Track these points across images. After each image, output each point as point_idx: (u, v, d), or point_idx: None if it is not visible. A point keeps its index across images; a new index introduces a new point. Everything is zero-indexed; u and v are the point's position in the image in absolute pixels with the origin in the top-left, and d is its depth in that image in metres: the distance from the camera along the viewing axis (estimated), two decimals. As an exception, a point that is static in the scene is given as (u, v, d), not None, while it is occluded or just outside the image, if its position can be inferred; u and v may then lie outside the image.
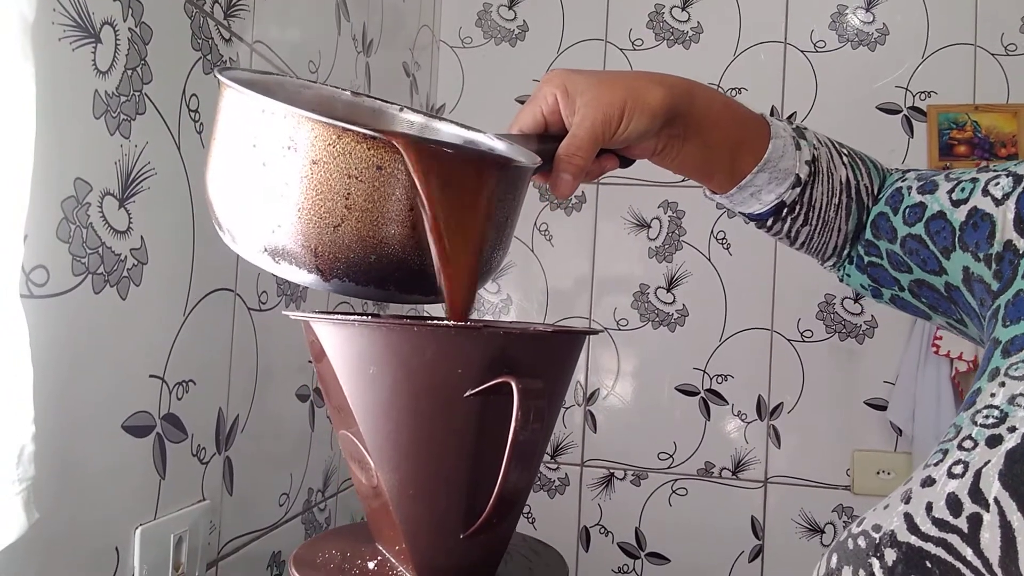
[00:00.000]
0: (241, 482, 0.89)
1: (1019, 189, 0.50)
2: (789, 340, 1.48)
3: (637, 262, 1.53)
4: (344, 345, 0.46)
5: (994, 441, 0.40)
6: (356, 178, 0.44)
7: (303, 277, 0.47)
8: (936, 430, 1.37)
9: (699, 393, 1.50)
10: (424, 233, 0.45)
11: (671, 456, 1.50)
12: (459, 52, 1.60)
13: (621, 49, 1.55)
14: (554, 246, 1.55)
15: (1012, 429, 0.40)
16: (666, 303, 1.52)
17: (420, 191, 0.44)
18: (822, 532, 1.45)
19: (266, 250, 0.47)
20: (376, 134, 0.44)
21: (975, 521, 0.38)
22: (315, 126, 0.44)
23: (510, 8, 1.59)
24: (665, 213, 1.52)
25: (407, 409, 0.44)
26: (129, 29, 0.66)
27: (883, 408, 1.44)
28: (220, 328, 0.84)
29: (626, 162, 0.61)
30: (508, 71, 1.58)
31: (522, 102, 1.57)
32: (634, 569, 1.49)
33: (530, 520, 1.52)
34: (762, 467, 1.47)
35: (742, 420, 1.48)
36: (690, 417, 1.50)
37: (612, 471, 1.51)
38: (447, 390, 0.43)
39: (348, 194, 0.44)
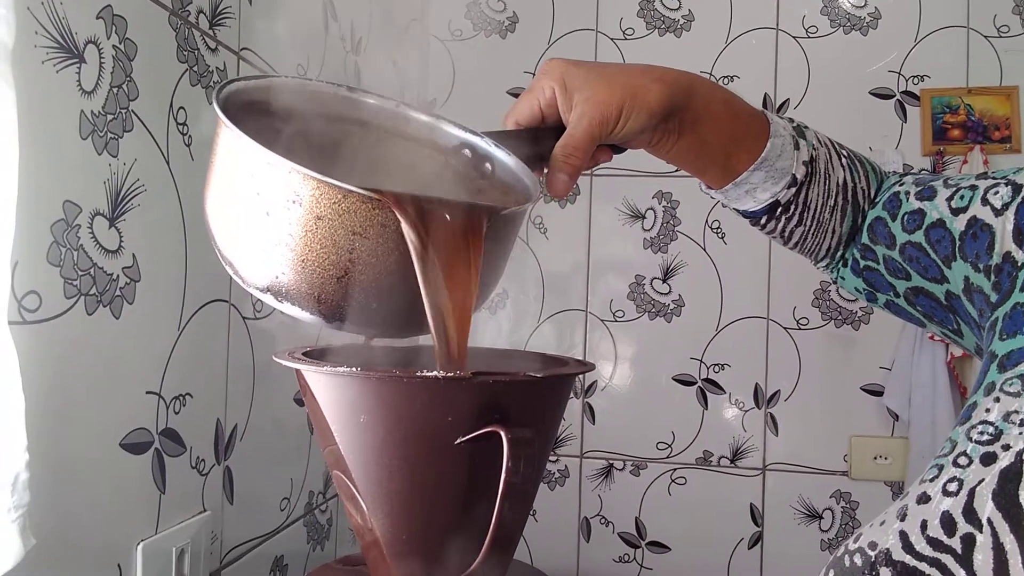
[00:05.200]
0: (241, 490, 0.89)
1: (1018, 199, 0.49)
2: (785, 328, 1.48)
3: (632, 253, 1.53)
4: (335, 394, 0.46)
5: (988, 459, 0.40)
6: (360, 235, 0.44)
7: (306, 317, 0.47)
8: (932, 415, 1.37)
9: (696, 383, 1.50)
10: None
11: (669, 446, 1.50)
12: (449, 45, 1.59)
13: (612, 39, 1.54)
14: (549, 239, 1.55)
15: (1006, 447, 0.40)
16: (662, 293, 1.52)
17: (425, 254, 0.44)
18: (820, 518, 1.46)
19: (269, 290, 0.47)
20: (380, 198, 0.44)
21: (968, 542, 0.38)
22: (320, 185, 0.44)
23: (499, -1, 1.57)
24: (659, 203, 1.52)
25: (398, 457, 0.44)
26: (113, 46, 0.66)
27: (879, 394, 1.44)
28: (216, 339, 0.84)
29: (618, 150, 0.61)
30: (499, 63, 1.56)
31: (515, 95, 1.57)
32: (635, 558, 1.51)
33: (531, 512, 1.53)
34: (760, 455, 1.48)
35: (739, 409, 1.49)
36: (688, 407, 1.50)
37: (611, 462, 1.52)
38: (438, 438, 0.43)
39: (352, 249, 0.44)
